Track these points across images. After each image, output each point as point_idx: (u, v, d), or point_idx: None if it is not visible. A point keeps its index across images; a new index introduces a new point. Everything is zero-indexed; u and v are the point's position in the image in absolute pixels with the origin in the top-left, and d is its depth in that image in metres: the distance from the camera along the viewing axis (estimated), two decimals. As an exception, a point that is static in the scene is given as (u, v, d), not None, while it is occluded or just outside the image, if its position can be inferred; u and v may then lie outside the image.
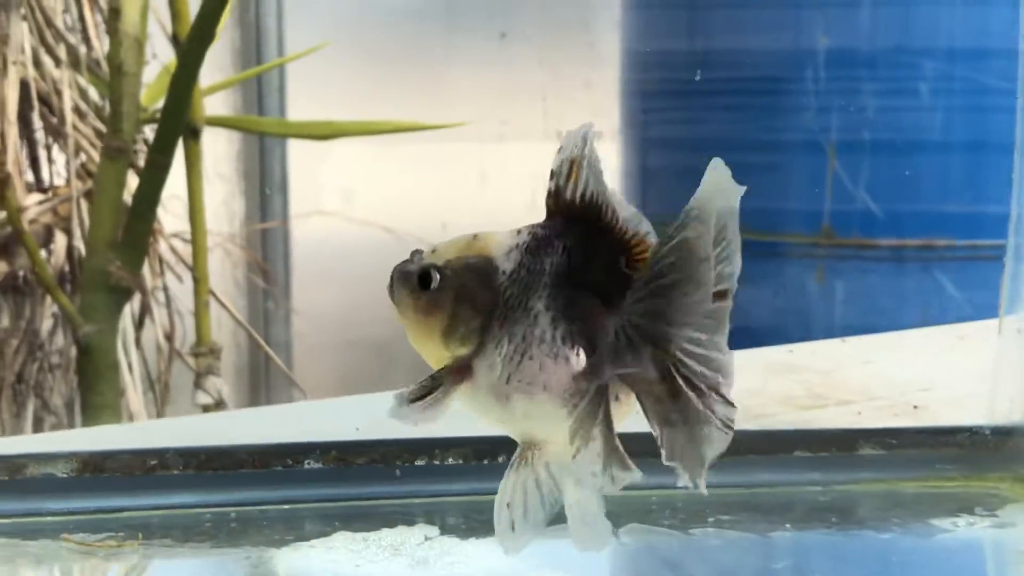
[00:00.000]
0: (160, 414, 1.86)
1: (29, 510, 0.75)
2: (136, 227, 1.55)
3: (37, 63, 1.85)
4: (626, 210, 0.63)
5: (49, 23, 1.85)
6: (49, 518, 0.75)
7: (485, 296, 0.62)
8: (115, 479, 0.76)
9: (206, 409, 1.66)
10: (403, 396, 0.61)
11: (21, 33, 1.80)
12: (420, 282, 0.63)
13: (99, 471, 0.76)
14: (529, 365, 0.61)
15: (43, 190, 1.95)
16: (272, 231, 2.59)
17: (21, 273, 1.90)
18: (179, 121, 1.51)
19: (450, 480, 0.77)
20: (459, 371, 0.62)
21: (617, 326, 0.60)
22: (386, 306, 0.64)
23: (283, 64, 2.03)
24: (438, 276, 0.63)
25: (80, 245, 1.94)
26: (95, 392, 1.59)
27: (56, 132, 1.89)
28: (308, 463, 0.76)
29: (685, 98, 2.30)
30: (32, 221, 1.88)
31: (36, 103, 1.85)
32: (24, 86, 1.84)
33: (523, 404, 0.62)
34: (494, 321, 0.62)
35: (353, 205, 2.62)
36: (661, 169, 2.38)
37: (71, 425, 1.94)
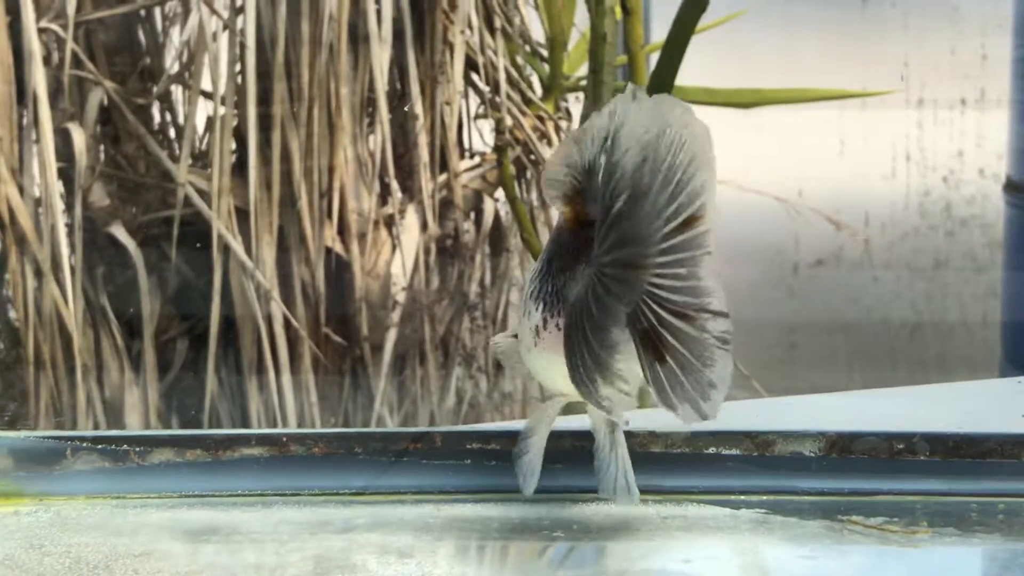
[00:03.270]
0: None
1: (778, 487, 0.78)
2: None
3: (479, 34, 1.91)
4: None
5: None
6: (798, 497, 0.77)
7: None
8: (862, 461, 0.78)
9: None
10: None
11: (468, 4, 1.86)
12: None
13: (847, 452, 0.78)
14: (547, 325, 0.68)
15: (470, 156, 2.02)
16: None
17: (450, 237, 1.97)
18: (667, 91, 1.52)
19: None
20: None
21: (589, 272, 0.63)
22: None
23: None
24: None
25: (504, 210, 2.00)
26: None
27: (489, 101, 1.95)
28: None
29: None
30: (464, 186, 1.95)
31: (481, 72, 1.92)
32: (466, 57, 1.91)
33: (540, 360, 0.70)
34: None
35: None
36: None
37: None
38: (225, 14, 1.80)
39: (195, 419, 1.86)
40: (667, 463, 0.78)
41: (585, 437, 0.76)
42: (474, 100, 2.02)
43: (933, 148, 2.65)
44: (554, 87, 1.97)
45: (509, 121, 1.95)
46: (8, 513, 0.72)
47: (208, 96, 1.81)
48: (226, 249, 1.79)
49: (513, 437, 0.78)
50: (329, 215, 1.84)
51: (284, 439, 0.77)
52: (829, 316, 2.69)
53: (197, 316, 1.90)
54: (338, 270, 1.89)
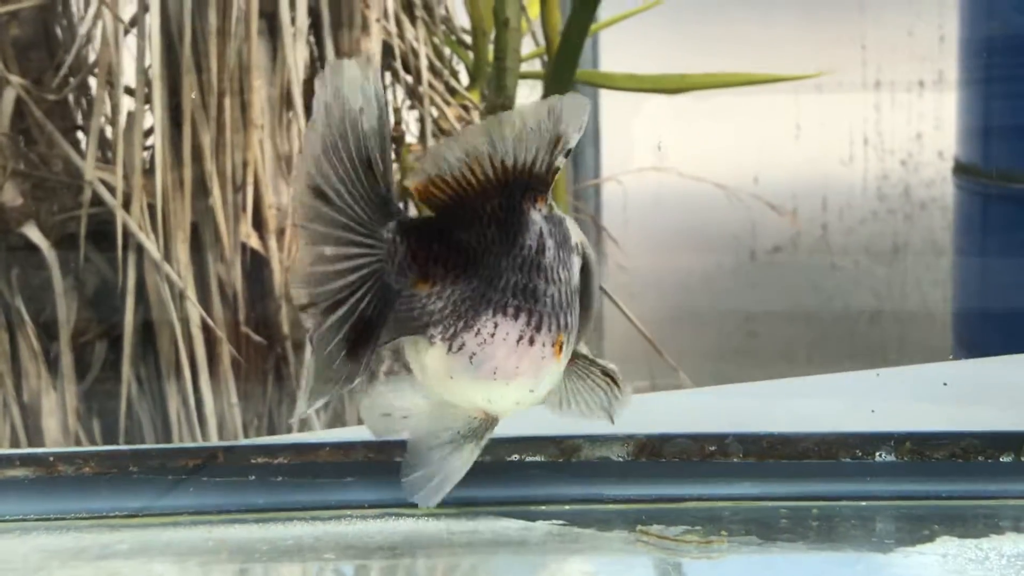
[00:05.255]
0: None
1: (584, 496, 0.73)
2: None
3: (396, 22, 1.86)
4: None
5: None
6: (604, 506, 0.72)
7: None
8: (672, 465, 0.73)
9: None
10: None
11: (384, -8, 1.81)
12: None
13: (656, 456, 0.73)
14: None
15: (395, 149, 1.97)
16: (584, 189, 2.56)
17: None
18: (570, 73, 1.48)
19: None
20: None
21: None
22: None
23: (620, 21, 1.98)
24: None
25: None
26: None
27: (411, 91, 1.90)
28: (880, 455, 0.71)
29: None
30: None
31: (399, 62, 1.87)
32: (384, 46, 1.86)
33: None
34: None
35: (665, 159, 2.57)
36: (1006, 125, 2.24)
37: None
38: (133, 8, 1.75)
39: (114, 424, 1.82)
40: (467, 472, 0.73)
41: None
42: (401, 92, 1.97)
43: (891, 131, 2.59)
44: (479, 76, 1.92)
45: (435, 112, 1.91)
46: None
47: (128, 91, 1.77)
48: (139, 248, 1.75)
49: (300, 450, 0.73)
50: (244, 210, 1.79)
51: (51, 459, 0.72)
52: (788, 304, 2.64)
53: (116, 318, 1.86)
54: (256, 267, 1.84)
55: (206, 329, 1.78)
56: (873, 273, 2.60)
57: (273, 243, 1.83)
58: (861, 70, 2.60)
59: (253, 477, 0.72)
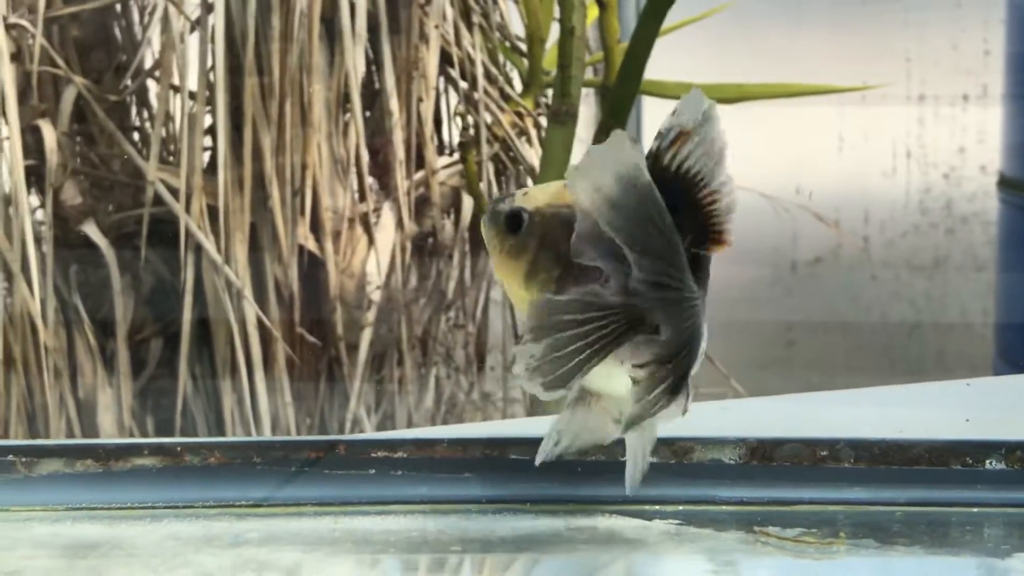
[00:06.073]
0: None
1: (697, 497, 0.74)
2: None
3: (454, 28, 1.87)
4: (727, 197, 0.64)
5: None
6: (717, 507, 0.74)
7: (567, 247, 0.62)
8: (784, 468, 0.74)
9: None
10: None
11: (443, -1, 1.83)
12: (509, 223, 0.64)
13: (768, 459, 0.74)
14: None
15: (448, 153, 1.99)
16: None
17: (429, 235, 1.94)
18: (635, 85, 1.49)
19: None
20: None
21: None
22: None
23: (678, 29, 1.99)
24: (527, 220, 0.64)
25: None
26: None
27: (466, 97, 1.92)
28: (990, 463, 0.72)
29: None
30: (441, 183, 1.92)
31: (456, 68, 1.88)
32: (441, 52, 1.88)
33: None
34: (568, 273, 0.62)
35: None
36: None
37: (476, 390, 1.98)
38: (196, 11, 1.77)
39: (168, 421, 1.84)
40: (580, 471, 0.74)
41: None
42: (455, 97, 1.98)
43: (934, 145, 2.60)
44: (533, 83, 1.94)
45: (489, 118, 1.92)
46: None
47: (179, 91, 1.79)
48: (198, 248, 1.77)
49: (419, 444, 0.74)
50: (302, 212, 1.81)
51: (178, 449, 0.74)
52: (827, 315, 2.64)
53: (172, 316, 1.88)
54: (312, 269, 1.86)
55: (261, 329, 1.79)
56: (913, 286, 2.60)
57: (329, 245, 1.85)
58: (905, 83, 2.61)
59: (373, 471, 0.74)
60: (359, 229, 1.88)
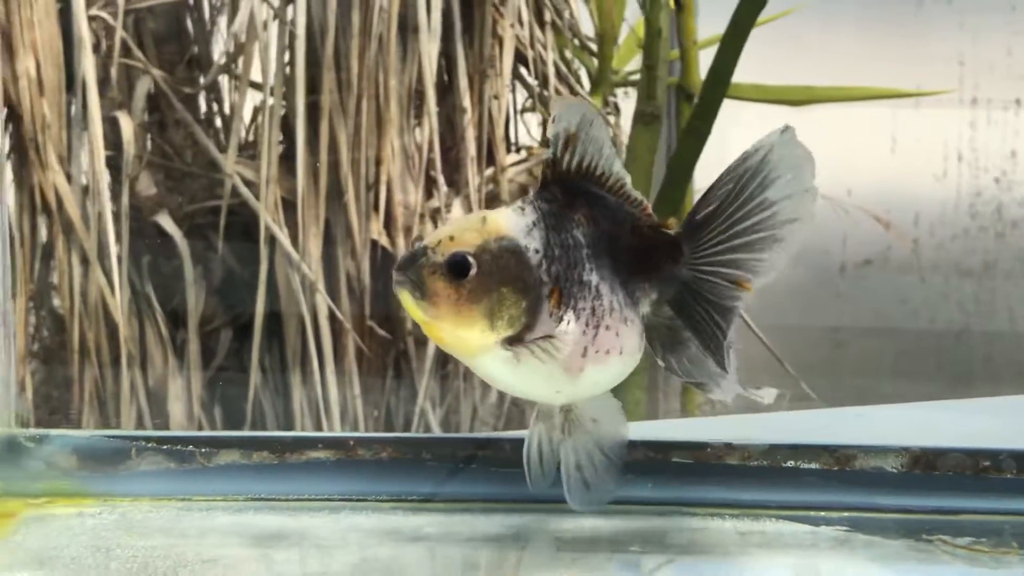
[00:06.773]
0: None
1: (861, 504, 0.75)
2: (670, 193, 1.56)
3: (529, 27, 1.88)
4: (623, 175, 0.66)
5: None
6: (881, 515, 0.75)
7: (526, 276, 0.64)
8: (946, 478, 0.75)
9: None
10: None
11: (519, -2, 1.84)
12: (455, 271, 0.64)
13: (931, 468, 0.75)
14: (605, 335, 0.64)
15: (516, 150, 2.00)
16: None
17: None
18: (723, 88, 1.50)
19: None
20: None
21: (687, 277, 0.67)
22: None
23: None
24: (473, 262, 0.64)
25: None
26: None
27: (538, 95, 1.93)
28: None
29: None
30: (510, 180, 1.93)
31: (530, 66, 1.89)
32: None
33: (595, 372, 0.65)
34: (540, 301, 0.64)
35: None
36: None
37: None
38: (276, 3, 1.78)
39: (239, 412, 1.85)
40: (744, 476, 0.76)
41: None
42: (521, 94, 1.99)
43: (986, 149, 2.60)
44: (602, 81, 1.95)
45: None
46: (72, 514, 0.70)
47: (256, 86, 1.80)
48: (272, 240, 1.78)
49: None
50: (376, 208, 1.82)
51: (351, 443, 0.75)
52: (875, 318, 2.65)
53: (242, 307, 1.89)
54: (384, 263, 1.87)
55: (332, 321, 1.81)
56: (962, 290, 2.61)
57: (401, 240, 1.86)
58: (958, 86, 2.62)
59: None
60: (430, 225, 1.89)
